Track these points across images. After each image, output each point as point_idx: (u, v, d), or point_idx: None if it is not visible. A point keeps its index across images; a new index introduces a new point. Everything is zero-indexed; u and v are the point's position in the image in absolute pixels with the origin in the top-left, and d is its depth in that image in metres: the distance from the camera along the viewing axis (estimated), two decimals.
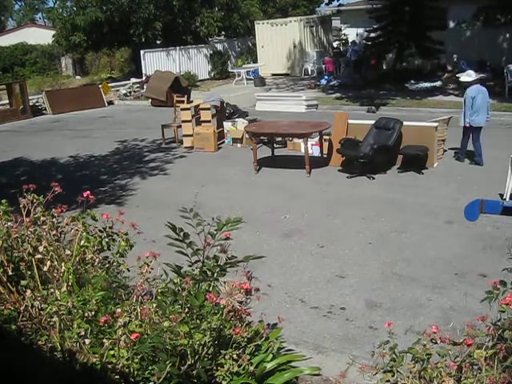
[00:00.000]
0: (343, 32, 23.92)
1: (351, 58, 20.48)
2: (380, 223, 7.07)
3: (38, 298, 3.08)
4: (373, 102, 15.44)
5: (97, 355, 2.77)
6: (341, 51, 23.25)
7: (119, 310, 2.85)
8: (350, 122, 10.15)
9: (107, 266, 3.53)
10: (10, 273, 3.34)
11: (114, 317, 2.84)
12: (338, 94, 17.46)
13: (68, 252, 3.39)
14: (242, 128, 11.75)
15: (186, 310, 2.92)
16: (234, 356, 2.92)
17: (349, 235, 6.77)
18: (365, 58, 19.75)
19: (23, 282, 3.29)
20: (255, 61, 24.47)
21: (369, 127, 9.69)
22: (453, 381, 2.53)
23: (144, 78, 21.36)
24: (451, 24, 19.68)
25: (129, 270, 3.41)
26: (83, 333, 2.82)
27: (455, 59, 18.98)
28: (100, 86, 20.25)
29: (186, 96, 14.24)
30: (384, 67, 20.18)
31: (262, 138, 11.44)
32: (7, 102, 18.28)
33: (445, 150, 10.01)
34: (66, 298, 2.97)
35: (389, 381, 2.72)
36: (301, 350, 4.06)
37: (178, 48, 23.16)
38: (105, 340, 2.77)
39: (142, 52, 22.29)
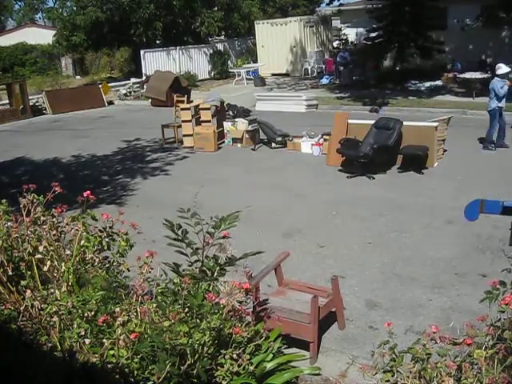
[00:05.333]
0: (343, 32, 23.91)
1: (341, 62, 20.47)
2: (380, 223, 7.07)
3: (38, 298, 3.09)
4: (374, 102, 15.45)
5: (97, 355, 2.77)
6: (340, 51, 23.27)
7: (118, 310, 2.85)
8: (350, 121, 10.15)
9: (107, 265, 3.54)
10: (10, 273, 3.35)
11: (113, 316, 2.85)
12: (338, 94, 17.47)
13: (68, 252, 3.40)
14: (242, 128, 11.76)
15: (186, 309, 2.93)
16: (234, 356, 2.92)
17: (349, 235, 6.77)
18: (356, 60, 19.77)
19: (23, 282, 3.29)
20: (255, 61, 24.46)
21: (369, 127, 9.69)
22: (452, 381, 2.53)
23: (144, 77, 21.35)
24: (451, 24, 19.68)
25: (129, 270, 3.41)
26: (83, 333, 2.82)
27: (451, 60, 19.05)
28: (100, 85, 20.24)
29: (185, 96, 14.25)
30: (385, 66, 20.19)
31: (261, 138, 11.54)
32: (7, 101, 18.27)
33: (445, 150, 10.01)
34: (66, 297, 2.98)
35: (389, 381, 2.72)
36: (301, 350, 4.06)
37: (178, 48, 23.15)
38: (104, 340, 2.78)
39: (142, 52, 22.29)
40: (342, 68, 20.23)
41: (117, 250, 3.52)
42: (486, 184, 8.17)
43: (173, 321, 2.73)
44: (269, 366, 3.25)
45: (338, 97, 17.10)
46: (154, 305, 2.98)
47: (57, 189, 3.63)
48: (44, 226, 3.48)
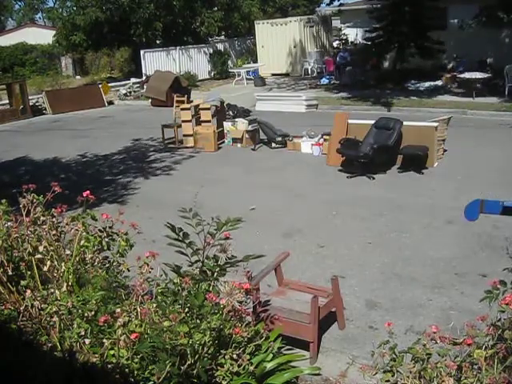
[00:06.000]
0: (343, 32, 23.90)
1: (341, 62, 20.47)
2: (380, 223, 7.07)
3: (38, 298, 3.09)
4: (377, 102, 15.48)
5: (97, 355, 2.77)
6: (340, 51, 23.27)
7: (119, 310, 2.85)
8: (350, 121, 10.15)
9: (107, 265, 3.54)
10: (10, 273, 3.34)
11: (113, 317, 2.85)
12: (338, 94, 17.47)
13: (68, 252, 3.40)
14: (242, 128, 11.76)
15: (186, 309, 2.93)
16: (234, 356, 2.92)
17: (349, 235, 6.77)
18: (356, 60, 19.77)
19: (23, 282, 3.29)
20: (255, 61, 24.46)
21: (369, 127, 9.69)
22: (453, 381, 2.53)
23: (144, 77, 21.35)
24: (451, 24, 19.68)
25: (129, 270, 3.42)
26: (83, 333, 2.82)
27: (454, 57, 19.06)
28: (100, 85, 20.24)
29: (185, 96, 14.25)
30: (384, 66, 20.20)
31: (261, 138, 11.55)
32: (7, 101, 18.27)
33: (445, 150, 10.02)
34: (66, 297, 2.97)
35: (389, 381, 2.72)
36: (301, 350, 4.06)
37: (178, 48, 23.15)
38: (105, 340, 2.78)
39: (142, 52, 22.28)
40: (342, 68, 20.23)
41: (117, 250, 3.52)
42: (486, 184, 8.17)
43: (174, 323, 2.72)
44: (269, 365, 3.25)
45: (338, 97, 17.10)
46: (154, 305, 2.98)
47: (56, 188, 3.63)
48: (44, 226, 3.48)
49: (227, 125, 12.17)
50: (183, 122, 11.94)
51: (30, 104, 18.04)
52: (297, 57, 23.28)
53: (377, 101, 15.64)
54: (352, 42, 22.96)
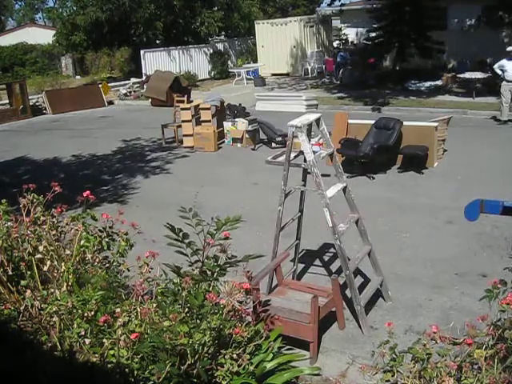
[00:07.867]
0: (343, 32, 23.91)
1: (341, 62, 20.50)
2: (380, 223, 7.07)
3: (38, 298, 3.09)
4: (375, 102, 15.48)
5: (97, 355, 2.77)
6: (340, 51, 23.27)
7: (119, 310, 2.85)
8: (350, 121, 10.14)
9: (107, 265, 3.54)
10: (10, 273, 3.34)
11: (113, 316, 2.85)
12: (338, 94, 17.48)
13: (68, 252, 3.40)
14: (242, 128, 11.76)
15: (186, 309, 2.93)
16: (234, 356, 2.92)
17: (349, 235, 6.75)
18: (356, 60, 19.80)
19: (23, 282, 3.29)
20: (255, 61, 24.46)
21: (369, 127, 9.69)
22: (453, 380, 2.53)
23: (144, 77, 21.35)
24: (451, 24, 19.68)
25: (129, 270, 3.42)
26: (83, 332, 2.82)
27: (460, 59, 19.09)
28: (100, 85, 20.24)
29: (185, 96, 14.25)
30: (384, 66, 20.21)
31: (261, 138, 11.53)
32: (7, 101, 18.27)
33: (445, 150, 10.01)
34: (66, 297, 2.97)
35: (389, 380, 2.72)
36: (301, 350, 4.06)
37: (178, 48, 23.15)
38: (105, 340, 2.78)
39: (142, 52, 22.27)
40: (342, 68, 20.24)
41: (117, 250, 3.52)
42: (486, 184, 8.17)
43: (173, 321, 2.72)
44: (269, 365, 3.25)
45: (338, 97, 17.11)
46: (154, 305, 2.98)
47: (56, 188, 3.63)
48: (44, 226, 3.48)
49: (227, 125, 12.16)
50: (183, 121, 11.94)
51: (30, 104, 18.03)
52: (297, 57, 23.29)
53: (374, 101, 15.64)
54: (352, 42, 22.96)
